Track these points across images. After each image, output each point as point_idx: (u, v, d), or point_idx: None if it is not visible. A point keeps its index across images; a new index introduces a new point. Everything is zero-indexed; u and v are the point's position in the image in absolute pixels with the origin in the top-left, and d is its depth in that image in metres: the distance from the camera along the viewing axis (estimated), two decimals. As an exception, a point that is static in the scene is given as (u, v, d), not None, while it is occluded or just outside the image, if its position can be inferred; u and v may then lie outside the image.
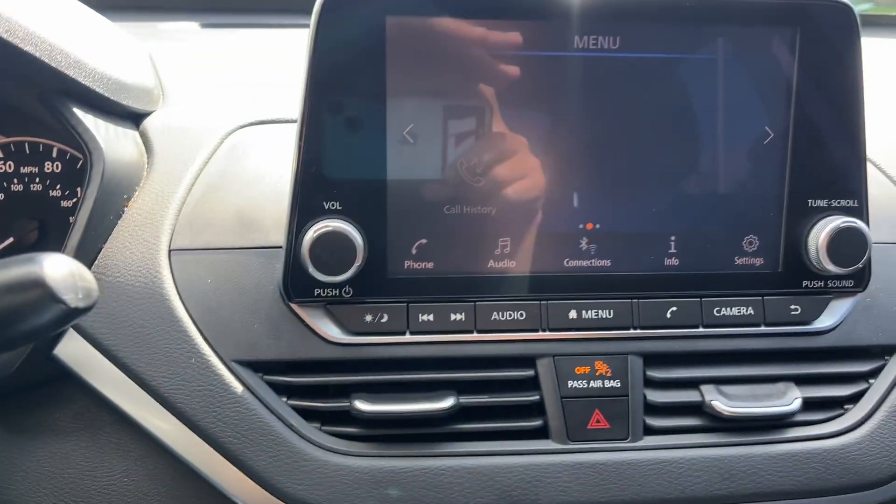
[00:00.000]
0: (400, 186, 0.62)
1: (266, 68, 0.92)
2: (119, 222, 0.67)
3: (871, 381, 0.70)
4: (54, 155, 0.73)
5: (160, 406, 0.62)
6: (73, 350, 0.63)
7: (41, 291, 0.47)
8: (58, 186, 0.73)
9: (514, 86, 0.62)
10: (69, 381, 0.65)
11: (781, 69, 0.65)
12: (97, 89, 0.68)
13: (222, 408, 0.62)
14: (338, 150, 0.62)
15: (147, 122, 0.75)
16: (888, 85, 1.00)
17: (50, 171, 0.73)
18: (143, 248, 0.65)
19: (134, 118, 0.75)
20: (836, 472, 0.66)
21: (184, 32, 1.21)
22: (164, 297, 0.64)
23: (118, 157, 0.68)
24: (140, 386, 0.62)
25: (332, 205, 0.62)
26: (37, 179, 0.73)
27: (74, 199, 0.73)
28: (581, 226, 0.65)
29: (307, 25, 1.30)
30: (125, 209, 0.68)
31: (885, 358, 0.70)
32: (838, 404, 0.69)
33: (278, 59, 0.97)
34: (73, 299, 0.47)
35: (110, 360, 0.63)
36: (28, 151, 0.73)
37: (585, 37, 0.63)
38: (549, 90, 0.63)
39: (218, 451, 0.62)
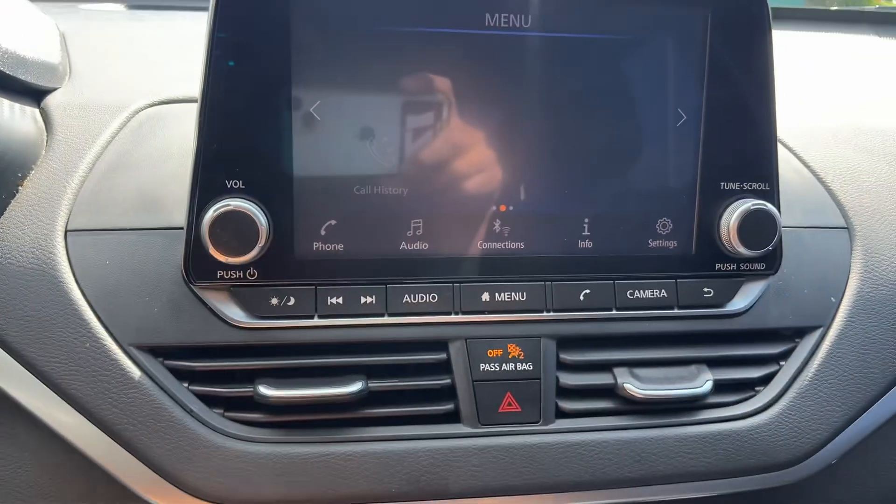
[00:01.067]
0: (306, 165, 0.61)
1: (183, 50, 0.89)
2: (12, 202, 0.64)
3: (782, 363, 0.70)
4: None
5: (52, 393, 0.60)
6: None
7: None
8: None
9: (423, 63, 0.61)
10: None
11: (693, 52, 0.65)
12: (-7, 64, 0.65)
13: (119, 394, 0.60)
14: (241, 126, 0.59)
15: (49, 100, 0.72)
16: (811, 75, 1.01)
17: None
18: (36, 228, 0.62)
19: (35, 95, 0.72)
20: (747, 453, 0.67)
21: (104, 13, 1.17)
22: (57, 280, 0.61)
23: (12, 133, 0.64)
24: (31, 372, 0.60)
25: (235, 183, 0.60)
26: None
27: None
28: (494, 207, 0.64)
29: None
30: (19, 188, 0.64)
31: (796, 340, 0.71)
32: (749, 386, 0.70)
33: (190, 40, 0.94)
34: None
35: (1, 346, 0.60)
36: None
37: (497, 14, 0.62)
38: (459, 68, 0.62)
39: (114, 440, 0.59)
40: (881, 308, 0.72)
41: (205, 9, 1.25)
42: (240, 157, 0.60)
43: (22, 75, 0.68)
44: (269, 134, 0.60)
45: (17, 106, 0.68)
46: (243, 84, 0.59)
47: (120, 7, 1.26)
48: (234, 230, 0.58)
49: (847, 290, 0.72)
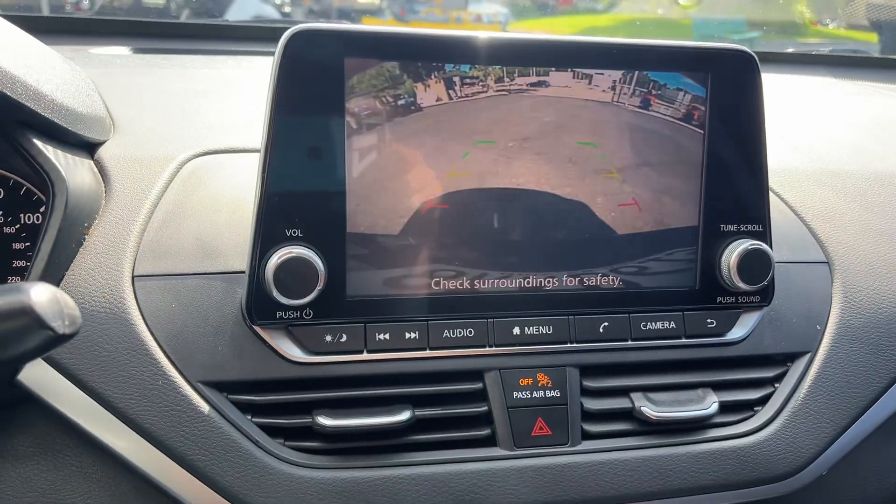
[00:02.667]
0: (358, 216, 0.67)
1: (205, 96, 0.95)
2: (80, 250, 0.69)
3: (777, 385, 0.78)
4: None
5: (127, 427, 0.64)
6: (35, 375, 0.64)
7: (28, 319, 0.49)
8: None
9: (472, 124, 0.68)
10: (26, 407, 0.66)
11: (696, 109, 0.73)
12: (56, 120, 0.70)
13: (190, 427, 0.65)
14: (300, 180, 0.66)
15: (101, 152, 0.77)
16: (785, 117, 1.11)
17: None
18: (106, 275, 0.67)
19: (88, 147, 0.77)
20: (750, 466, 0.74)
21: (117, 58, 1.22)
22: (129, 322, 0.66)
23: (78, 186, 0.69)
24: (106, 409, 0.64)
25: (294, 232, 0.66)
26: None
27: (17, 226, 0.74)
28: (523, 255, 0.71)
29: (234, 51, 1.33)
30: (85, 237, 0.69)
31: (788, 364, 0.79)
32: (749, 407, 0.77)
33: (215, 86, 1.00)
34: (59, 326, 0.50)
35: (76, 384, 0.64)
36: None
37: (517, 77, 0.69)
38: (494, 129, 0.69)
39: (185, 469, 0.64)
40: (861, 334, 0.81)
41: (200, 52, 1.30)
42: (299, 208, 0.66)
43: (80, 130, 0.74)
44: (325, 187, 0.66)
45: (78, 159, 0.73)
46: (303, 142, 0.65)
47: (127, 51, 1.30)
48: (296, 275, 0.64)
49: (830, 318, 0.81)
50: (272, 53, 0.65)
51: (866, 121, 1.15)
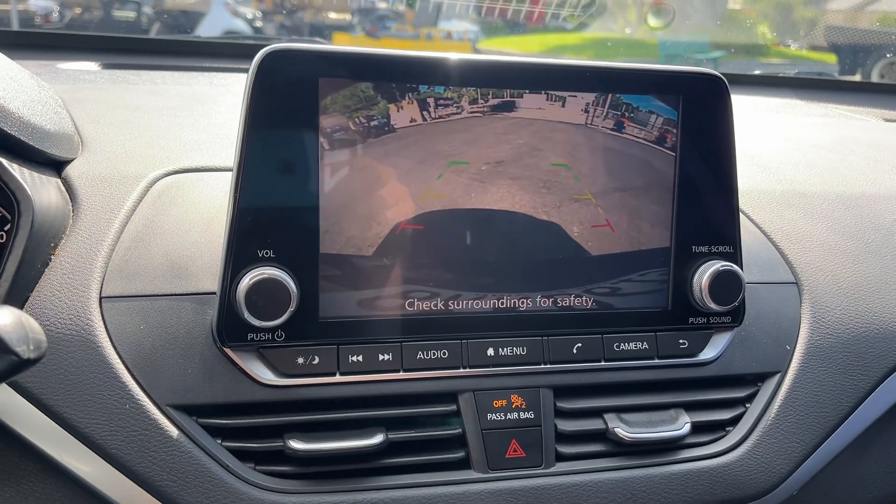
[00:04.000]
0: (331, 237, 0.66)
1: (180, 115, 0.94)
2: (46, 271, 0.67)
3: (748, 405, 0.79)
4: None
5: (93, 453, 0.63)
6: None
7: (-8, 344, 0.48)
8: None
9: (447, 145, 0.68)
10: None
11: (668, 131, 0.74)
12: (22, 138, 0.68)
13: (158, 451, 0.63)
14: (273, 201, 0.65)
15: (69, 170, 0.75)
16: (752, 138, 1.13)
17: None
18: (72, 296, 0.66)
19: (55, 166, 0.75)
20: (722, 486, 0.75)
21: (87, 73, 1.20)
22: (96, 344, 0.64)
23: (45, 205, 0.68)
24: (71, 433, 0.63)
25: (266, 253, 0.65)
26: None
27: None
28: (497, 276, 0.71)
29: (207, 67, 1.32)
30: (52, 257, 0.68)
31: (759, 384, 0.80)
32: (721, 427, 0.78)
33: (186, 103, 0.99)
34: (24, 351, 0.49)
35: (40, 408, 0.63)
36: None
37: (491, 98, 0.70)
38: (469, 150, 0.69)
39: (153, 495, 0.63)
40: (829, 354, 0.82)
41: (171, 68, 1.29)
42: (271, 228, 0.65)
43: (48, 148, 0.72)
44: (298, 207, 0.65)
45: (44, 178, 0.72)
46: (275, 162, 0.65)
47: (96, 66, 1.29)
48: (268, 296, 0.63)
49: (799, 338, 0.82)
50: (245, 70, 0.65)
51: (832, 143, 1.17)
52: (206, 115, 0.94)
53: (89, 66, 1.28)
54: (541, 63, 0.70)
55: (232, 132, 0.65)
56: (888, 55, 1.89)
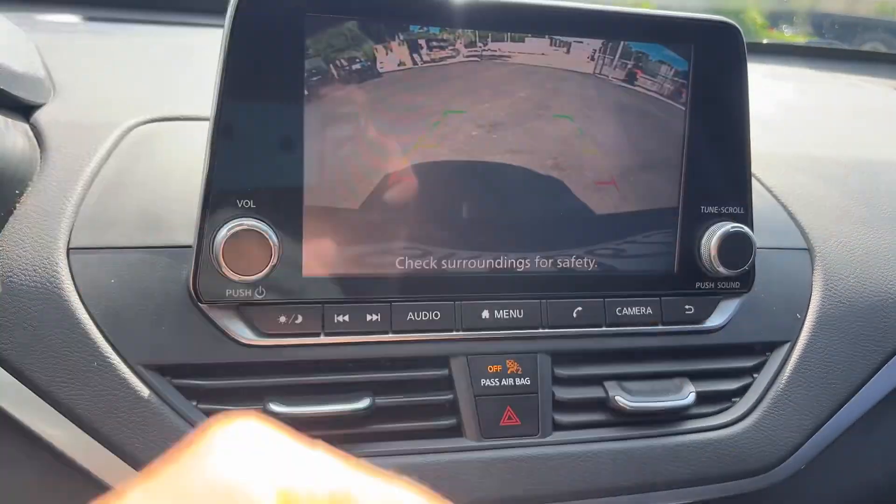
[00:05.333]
0: (316, 187, 0.62)
1: (161, 66, 0.89)
2: (11, 219, 0.62)
3: (755, 375, 0.75)
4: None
5: (58, 413, 0.59)
6: None
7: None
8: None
9: (442, 92, 0.63)
10: None
11: (678, 83, 0.69)
12: (-15, 77, 0.63)
13: (128, 413, 0.59)
14: (252, 147, 0.60)
15: (38, 115, 0.70)
16: (761, 102, 1.08)
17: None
18: (37, 246, 0.61)
19: (23, 110, 0.70)
20: (727, 460, 0.71)
21: (66, 25, 1.15)
22: (62, 298, 0.60)
23: (9, 149, 0.63)
24: (34, 392, 0.58)
25: (246, 203, 0.61)
26: None
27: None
28: (493, 230, 0.67)
29: (192, 23, 1.26)
30: (17, 205, 0.63)
31: (767, 354, 0.76)
32: (727, 397, 0.74)
33: (167, 56, 0.94)
34: (-27, 296, 0.44)
35: (1, 364, 0.58)
36: None
37: (490, 42, 0.65)
38: (465, 98, 0.65)
39: (122, 459, 0.59)
40: (841, 323, 0.78)
41: (154, 22, 1.24)
42: (251, 177, 0.60)
43: (14, 90, 0.67)
44: (280, 155, 0.61)
45: (10, 121, 0.67)
46: (256, 106, 0.60)
47: (77, 19, 1.23)
48: (247, 249, 0.59)
49: (810, 307, 0.78)
50: None
51: (843, 109, 1.13)
52: (188, 65, 0.89)
53: (70, 18, 1.23)
54: (545, 4, 0.66)
55: (212, 83, 0.60)
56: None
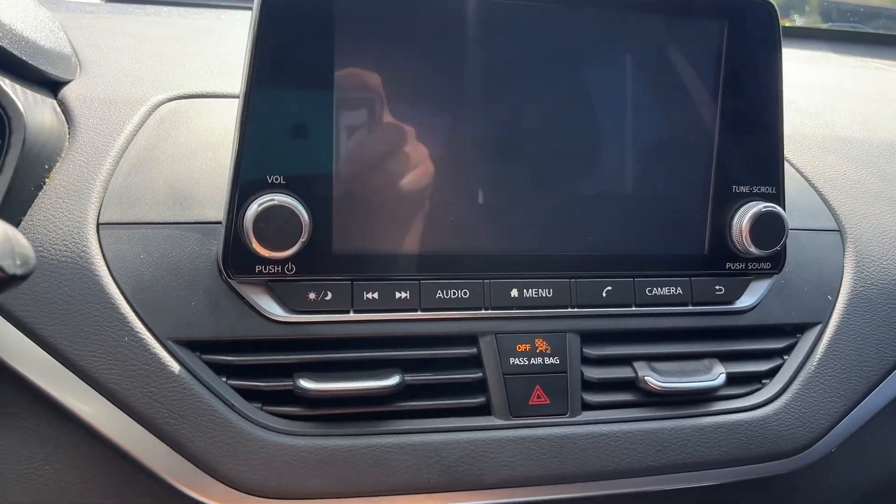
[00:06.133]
0: (346, 163, 0.61)
1: (180, 44, 0.89)
2: (40, 194, 0.62)
3: (786, 357, 0.74)
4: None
5: (89, 387, 0.59)
6: None
7: (-26, 257, 0.43)
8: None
9: (471, 69, 0.63)
10: None
11: (710, 60, 0.68)
12: (14, 52, 0.63)
13: (158, 388, 0.59)
14: (283, 123, 0.60)
15: (66, 91, 0.70)
16: (790, 84, 1.07)
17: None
18: (68, 221, 0.61)
19: (51, 86, 0.70)
20: (757, 442, 0.70)
21: (88, 5, 1.15)
22: (93, 273, 0.60)
23: (38, 124, 0.63)
24: (67, 367, 0.59)
25: (276, 178, 0.60)
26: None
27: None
28: (523, 209, 0.66)
29: (216, 5, 1.26)
30: (46, 180, 0.63)
31: (798, 336, 0.75)
32: (757, 379, 0.73)
33: (191, 35, 0.93)
34: (10, 265, 0.44)
35: (31, 338, 0.58)
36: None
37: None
38: (506, 81, 0.64)
39: (153, 433, 0.59)
40: (872, 305, 0.77)
41: (179, 3, 1.24)
42: (281, 152, 0.60)
43: (42, 65, 0.67)
44: (310, 131, 0.60)
45: (38, 96, 0.67)
46: (287, 82, 0.59)
47: (99, 0, 1.23)
48: (278, 225, 0.59)
49: (842, 288, 0.77)
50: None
51: (872, 92, 1.11)
52: (213, 44, 0.88)
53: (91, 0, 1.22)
54: None
55: (240, 62, 0.60)
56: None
